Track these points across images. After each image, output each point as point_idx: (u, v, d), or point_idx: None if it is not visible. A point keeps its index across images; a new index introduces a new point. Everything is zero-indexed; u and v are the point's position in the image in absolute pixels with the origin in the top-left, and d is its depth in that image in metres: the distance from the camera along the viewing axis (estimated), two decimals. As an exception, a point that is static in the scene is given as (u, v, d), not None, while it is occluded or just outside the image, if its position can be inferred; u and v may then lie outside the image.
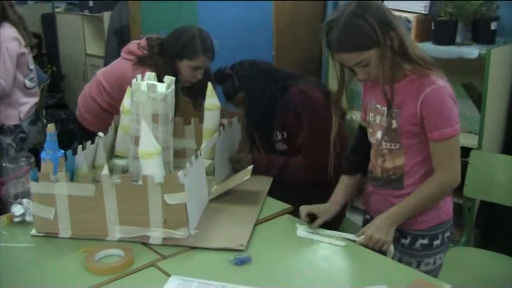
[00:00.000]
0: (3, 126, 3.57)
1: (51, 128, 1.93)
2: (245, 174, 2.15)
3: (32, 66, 3.68)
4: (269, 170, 2.40)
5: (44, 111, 4.65)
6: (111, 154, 2.41)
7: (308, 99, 2.36)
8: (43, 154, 1.93)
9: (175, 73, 2.65)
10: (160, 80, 2.45)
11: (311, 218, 2.01)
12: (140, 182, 1.85)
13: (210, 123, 2.40)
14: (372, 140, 2.01)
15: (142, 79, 2.15)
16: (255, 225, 2.00)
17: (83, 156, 2.12)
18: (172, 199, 1.83)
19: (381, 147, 1.95)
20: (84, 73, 5.69)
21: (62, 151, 1.96)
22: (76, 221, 1.91)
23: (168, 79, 2.15)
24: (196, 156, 2.02)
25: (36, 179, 1.89)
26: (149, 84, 2.04)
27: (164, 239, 1.87)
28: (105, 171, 1.88)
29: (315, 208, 2.02)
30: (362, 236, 1.88)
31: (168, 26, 4.54)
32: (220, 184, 2.26)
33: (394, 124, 1.89)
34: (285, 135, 2.43)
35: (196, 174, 2.00)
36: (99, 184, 1.86)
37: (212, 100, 2.38)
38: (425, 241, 1.96)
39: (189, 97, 2.88)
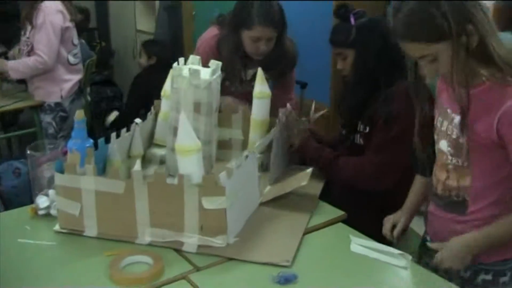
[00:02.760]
0: (43, 104, 3.45)
1: (79, 115, 1.73)
2: (303, 178, 1.90)
3: (76, 41, 3.53)
4: (316, 158, 2.13)
5: (89, 88, 4.53)
6: (150, 142, 2.22)
7: (407, 107, 1.91)
8: (69, 144, 1.73)
9: (240, 45, 2.43)
10: (226, 52, 2.25)
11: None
12: (176, 181, 1.63)
13: (260, 113, 2.16)
14: (436, 148, 1.72)
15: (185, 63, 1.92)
16: (304, 234, 1.76)
17: (116, 145, 1.92)
18: (210, 203, 1.60)
19: (445, 160, 1.67)
20: (134, 49, 5.53)
21: (91, 140, 1.76)
22: (103, 220, 1.71)
23: (214, 64, 1.91)
24: (246, 155, 1.79)
25: (61, 171, 1.70)
26: (191, 70, 1.81)
27: (199, 246, 1.65)
28: (138, 166, 1.67)
29: (391, 217, 1.84)
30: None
31: (221, 3, 4.34)
32: (274, 186, 2.02)
33: (462, 138, 1.59)
34: (368, 130, 2.11)
35: (246, 175, 1.78)
36: (130, 181, 1.65)
37: (262, 87, 2.13)
38: (488, 277, 1.66)
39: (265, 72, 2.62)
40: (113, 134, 1.92)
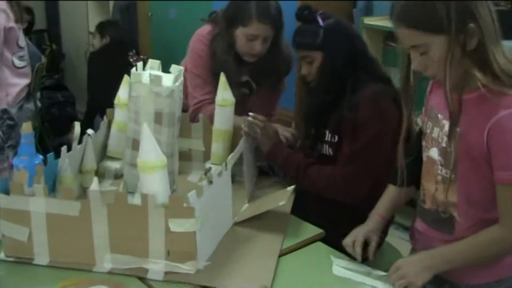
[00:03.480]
0: (-12, 111, 3.19)
1: (27, 128, 1.53)
2: (282, 197, 1.75)
3: (23, 43, 3.27)
4: (286, 166, 1.99)
5: (39, 93, 4.27)
6: (103, 154, 2.06)
7: (375, 114, 1.84)
8: (15, 161, 1.53)
9: (233, 44, 2.22)
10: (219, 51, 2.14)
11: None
12: (138, 201, 1.45)
13: (223, 122, 2.01)
14: (424, 156, 1.59)
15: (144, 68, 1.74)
16: (280, 256, 1.61)
17: (68, 159, 1.73)
18: (178, 225, 1.43)
19: (435, 170, 1.53)
20: (86, 52, 5.28)
21: (40, 156, 1.56)
22: (55, 246, 1.52)
23: (176, 69, 1.74)
24: (209, 168, 1.63)
25: (5, 192, 1.50)
26: (152, 76, 1.63)
27: (166, 273, 1.48)
28: (95, 184, 1.49)
29: (361, 232, 1.65)
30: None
31: (178, 3, 4.14)
32: (250, 205, 1.86)
33: (451, 147, 1.46)
34: (336, 139, 1.96)
35: (218, 192, 1.62)
36: (86, 202, 1.47)
37: (224, 94, 1.98)
38: None
39: (257, 77, 2.36)
40: (64, 148, 1.73)
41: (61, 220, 1.49)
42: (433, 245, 1.55)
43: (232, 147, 2.00)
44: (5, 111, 3.20)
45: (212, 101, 2.18)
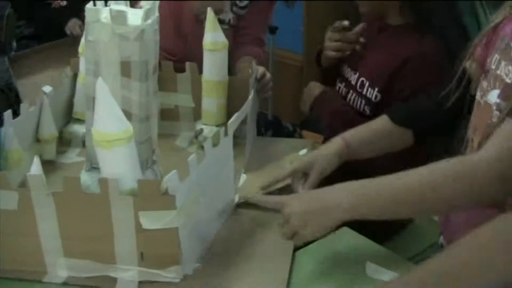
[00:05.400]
0: None
1: None
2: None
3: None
4: None
5: (15, 44, 3.84)
6: (68, 116, 1.65)
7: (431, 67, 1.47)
8: None
9: None
10: None
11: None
12: (96, 189, 1.05)
13: (215, 71, 1.60)
14: (480, 100, 1.16)
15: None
16: (294, 250, 1.21)
17: (13, 128, 1.32)
18: (152, 221, 1.03)
19: (488, 119, 1.11)
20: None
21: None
22: (-8, 249, 1.13)
23: (148, 2, 1.30)
24: (201, 129, 1.23)
25: None
26: (113, 12, 1.19)
27: (141, 283, 1.09)
28: (36, 167, 1.07)
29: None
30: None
31: None
32: (252, 179, 1.44)
33: None
34: (379, 97, 1.56)
35: (214, 168, 1.20)
36: (25, 192, 1.06)
37: (214, 35, 1.56)
38: None
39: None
40: (8, 113, 1.32)
41: (-5, 216, 1.09)
42: (469, 223, 1.09)
43: (228, 102, 1.61)
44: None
45: None
